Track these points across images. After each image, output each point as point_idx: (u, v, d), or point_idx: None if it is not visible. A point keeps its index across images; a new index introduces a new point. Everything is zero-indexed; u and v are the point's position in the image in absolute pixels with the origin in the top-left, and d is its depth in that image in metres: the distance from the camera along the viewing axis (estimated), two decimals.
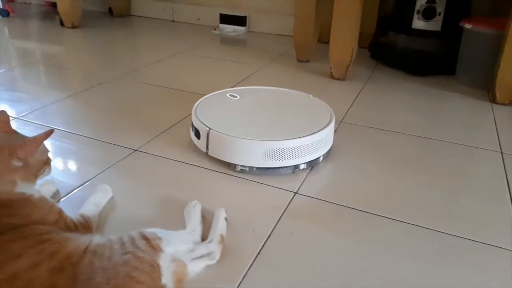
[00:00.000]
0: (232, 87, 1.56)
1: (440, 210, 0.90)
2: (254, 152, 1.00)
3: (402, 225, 0.85)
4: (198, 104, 1.18)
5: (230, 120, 1.09)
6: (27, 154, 0.68)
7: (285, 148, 0.99)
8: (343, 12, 1.54)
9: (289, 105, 1.21)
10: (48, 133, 0.71)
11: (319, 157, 1.07)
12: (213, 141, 1.04)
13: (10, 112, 1.32)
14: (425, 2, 1.70)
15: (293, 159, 1.01)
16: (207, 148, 1.07)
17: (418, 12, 1.72)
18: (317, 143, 1.03)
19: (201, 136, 1.07)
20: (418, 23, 1.74)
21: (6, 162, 0.66)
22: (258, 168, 1.02)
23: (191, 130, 1.14)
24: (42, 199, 0.70)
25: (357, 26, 1.56)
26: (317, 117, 1.12)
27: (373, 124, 1.30)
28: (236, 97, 1.23)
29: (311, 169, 1.05)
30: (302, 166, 1.04)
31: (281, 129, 1.05)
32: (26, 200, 0.67)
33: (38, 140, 0.70)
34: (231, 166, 1.04)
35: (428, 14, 1.71)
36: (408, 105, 1.45)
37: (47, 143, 0.78)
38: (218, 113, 1.13)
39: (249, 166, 1.02)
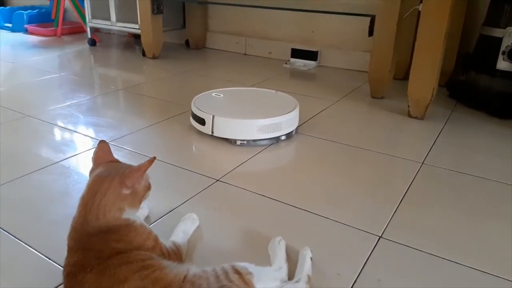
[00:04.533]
0: (307, 121, 1.57)
1: None
2: (250, 128, 1.34)
3: (484, 276, 0.80)
4: (195, 100, 1.51)
5: (225, 109, 1.43)
6: (134, 182, 0.72)
7: (271, 123, 1.35)
8: (425, 49, 1.51)
9: (260, 98, 1.58)
10: (151, 161, 0.75)
11: (292, 131, 1.43)
12: (217, 124, 1.37)
13: (99, 137, 1.41)
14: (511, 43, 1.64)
15: (276, 132, 1.37)
16: (212, 131, 1.38)
17: (504, 53, 1.65)
18: (291, 120, 1.41)
19: (206, 122, 1.38)
20: (503, 64, 1.67)
21: (116, 191, 0.71)
22: (253, 140, 1.36)
23: (191, 119, 1.47)
24: (142, 225, 0.73)
25: (440, 64, 1.53)
26: (286, 104, 1.48)
27: (455, 167, 1.24)
28: (220, 95, 1.56)
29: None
30: (282, 138, 1.40)
31: (263, 111, 1.40)
32: (130, 226, 0.70)
33: (143, 168, 0.74)
34: (231, 141, 1.36)
35: None
36: (492, 149, 1.38)
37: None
38: (213, 106, 1.45)
39: (247, 140, 1.35)
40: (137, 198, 0.74)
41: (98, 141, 0.82)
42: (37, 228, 0.93)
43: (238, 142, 1.35)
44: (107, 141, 1.34)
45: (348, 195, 1.09)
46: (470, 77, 1.81)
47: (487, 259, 0.86)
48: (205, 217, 0.96)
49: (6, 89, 1.94)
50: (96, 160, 0.78)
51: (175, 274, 0.65)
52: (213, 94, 1.58)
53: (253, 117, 1.35)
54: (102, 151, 0.80)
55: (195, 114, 1.43)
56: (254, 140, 1.35)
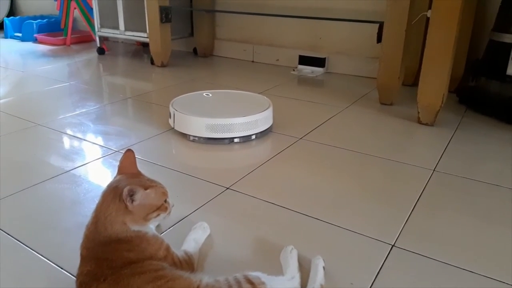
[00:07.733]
0: (316, 128, 1.57)
1: None
2: (200, 126, 1.41)
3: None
4: (177, 98, 1.60)
5: (195, 107, 1.50)
6: (127, 198, 0.70)
7: (221, 124, 1.40)
8: (435, 55, 1.50)
9: (244, 101, 1.62)
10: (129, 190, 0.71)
11: (251, 135, 1.44)
12: (177, 118, 1.46)
13: (109, 146, 1.42)
14: None
15: (228, 133, 1.41)
16: (173, 124, 1.48)
17: None
18: (248, 124, 1.42)
19: (171, 116, 1.49)
20: None
21: (116, 204, 0.70)
22: (204, 138, 1.42)
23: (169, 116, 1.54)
24: (155, 236, 0.73)
25: (449, 70, 1.52)
26: (258, 108, 1.49)
27: (467, 174, 1.23)
28: (209, 95, 1.64)
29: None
30: (236, 140, 1.43)
31: (225, 112, 1.45)
32: (142, 238, 0.70)
33: (134, 188, 0.71)
34: (186, 136, 1.45)
35: None
36: (503, 155, 1.37)
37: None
38: (188, 103, 1.54)
39: (198, 136, 1.42)
40: (139, 215, 0.72)
41: (126, 149, 0.83)
42: (49, 237, 0.93)
43: (191, 138, 1.44)
44: (114, 149, 1.37)
45: (359, 203, 1.09)
46: (480, 83, 1.80)
47: (502, 268, 0.84)
48: (216, 226, 0.96)
49: (16, 98, 1.96)
50: (120, 169, 0.79)
51: (188, 285, 0.64)
52: (204, 94, 1.66)
53: (204, 116, 1.42)
54: (127, 161, 0.80)
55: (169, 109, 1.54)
56: (205, 138, 1.42)
